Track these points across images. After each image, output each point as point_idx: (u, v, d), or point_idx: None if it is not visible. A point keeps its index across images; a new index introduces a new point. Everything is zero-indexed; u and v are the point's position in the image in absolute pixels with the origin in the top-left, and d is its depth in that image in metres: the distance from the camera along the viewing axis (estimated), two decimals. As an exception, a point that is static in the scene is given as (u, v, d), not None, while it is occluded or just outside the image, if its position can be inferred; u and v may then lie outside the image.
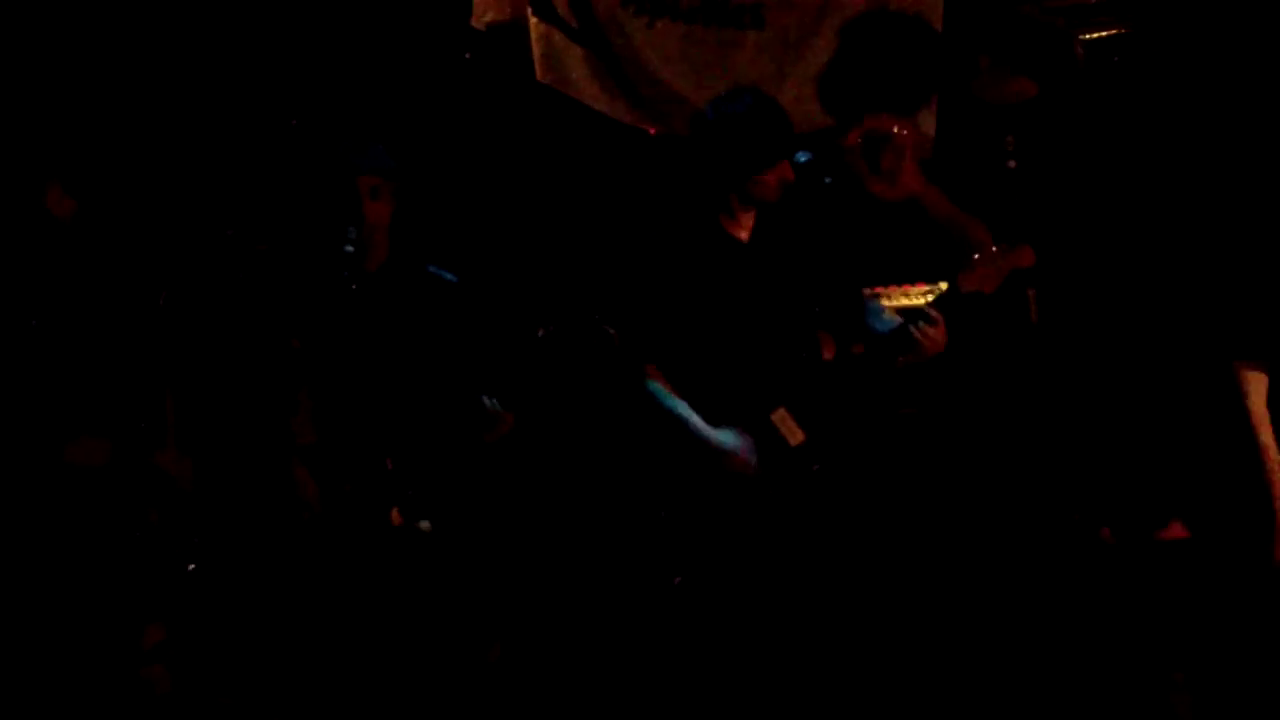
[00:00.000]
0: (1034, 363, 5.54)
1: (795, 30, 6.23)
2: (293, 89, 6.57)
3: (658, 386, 5.16)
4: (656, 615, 5.18)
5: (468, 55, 6.50)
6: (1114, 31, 6.40)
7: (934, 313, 5.08)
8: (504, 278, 6.35)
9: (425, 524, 5.30)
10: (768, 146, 5.17)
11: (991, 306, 5.21)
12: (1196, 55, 6.39)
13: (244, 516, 5.67)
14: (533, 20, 6.28)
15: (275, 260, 5.95)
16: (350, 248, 5.59)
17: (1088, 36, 6.30)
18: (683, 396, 5.13)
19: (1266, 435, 5.00)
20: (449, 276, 5.66)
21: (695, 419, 5.10)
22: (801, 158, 5.21)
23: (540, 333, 5.74)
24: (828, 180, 5.21)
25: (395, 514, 5.32)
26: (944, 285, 5.22)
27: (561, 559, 5.94)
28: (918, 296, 5.73)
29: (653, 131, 6.41)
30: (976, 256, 5.09)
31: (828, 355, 5.24)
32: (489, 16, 6.32)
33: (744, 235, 5.27)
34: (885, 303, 5.87)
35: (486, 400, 5.39)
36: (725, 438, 5.08)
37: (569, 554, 5.95)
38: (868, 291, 5.49)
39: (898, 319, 5.17)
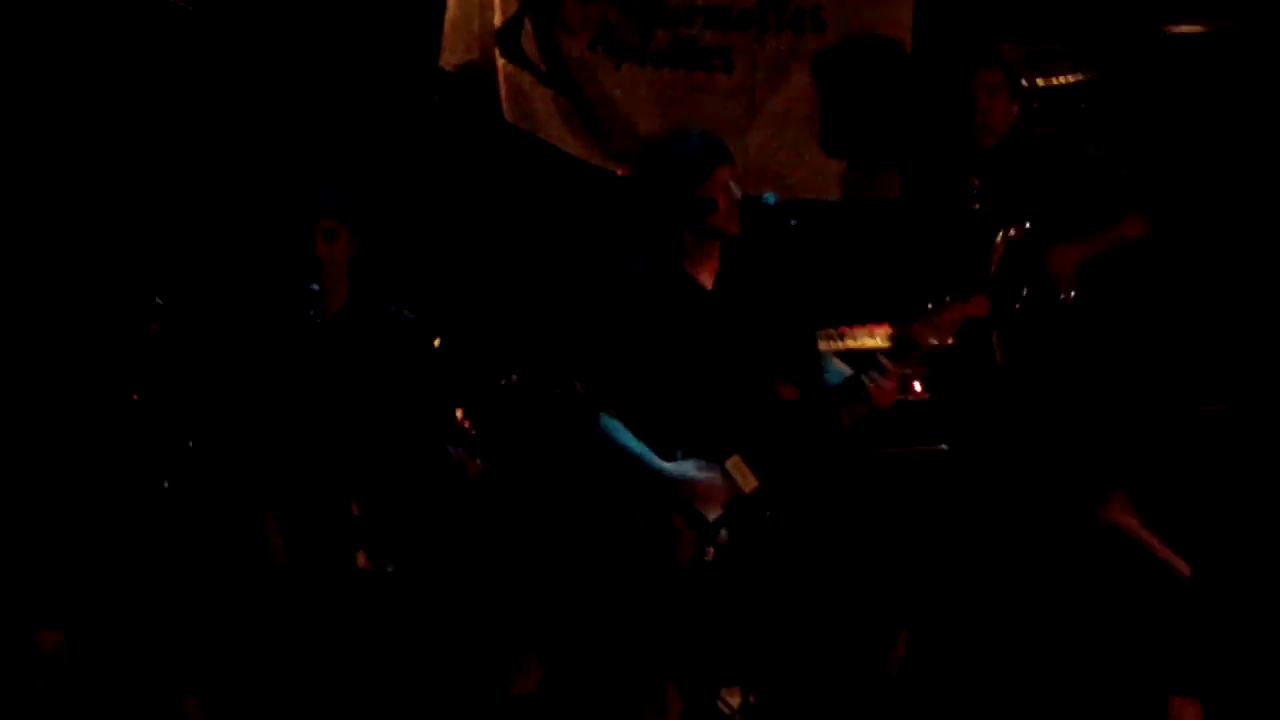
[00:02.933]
0: (1000, 404, 5.56)
1: (764, 74, 6.26)
2: (260, 130, 6.58)
3: (613, 423, 5.13)
4: (622, 653, 5.16)
5: (435, 96, 6.51)
6: (1078, 77, 6.46)
7: (887, 362, 5.03)
8: (470, 320, 6.35)
9: (391, 567, 5.28)
10: (702, 157, 5.06)
11: (956, 350, 5.19)
12: (1159, 100, 6.46)
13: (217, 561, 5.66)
14: (501, 62, 6.29)
15: (243, 299, 5.95)
16: (316, 286, 5.59)
17: (1053, 81, 6.35)
18: (641, 439, 5.10)
19: None
20: (409, 315, 5.65)
21: (651, 455, 5.07)
22: (769, 199, 5.19)
23: (505, 381, 5.74)
24: (793, 223, 5.18)
25: (362, 557, 5.29)
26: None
27: (530, 599, 5.93)
28: (881, 338, 5.73)
29: (620, 173, 6.42)
30: (930, 306, 5.04)
31: (787, 395, 5.17)
32: (457, 57, 6.33)
33: (708, 282, 5.16)
34: (850, 343, 5.89)
35: (451, 449, 5.38)
36: (684, 469, 5.06)
37: (537, 594, 5.93)
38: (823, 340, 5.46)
39: (847, 370, 5.12)
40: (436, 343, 5.75)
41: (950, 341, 4.99)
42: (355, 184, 5.71)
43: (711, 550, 4.98)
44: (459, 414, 5.47)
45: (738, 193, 5.06)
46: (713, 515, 4.98)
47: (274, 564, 5.43)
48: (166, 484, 5.72)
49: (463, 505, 5.63)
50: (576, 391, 5.19)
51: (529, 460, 5.99)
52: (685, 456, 5.03)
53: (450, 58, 6.32)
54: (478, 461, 5.41)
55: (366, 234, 5.62)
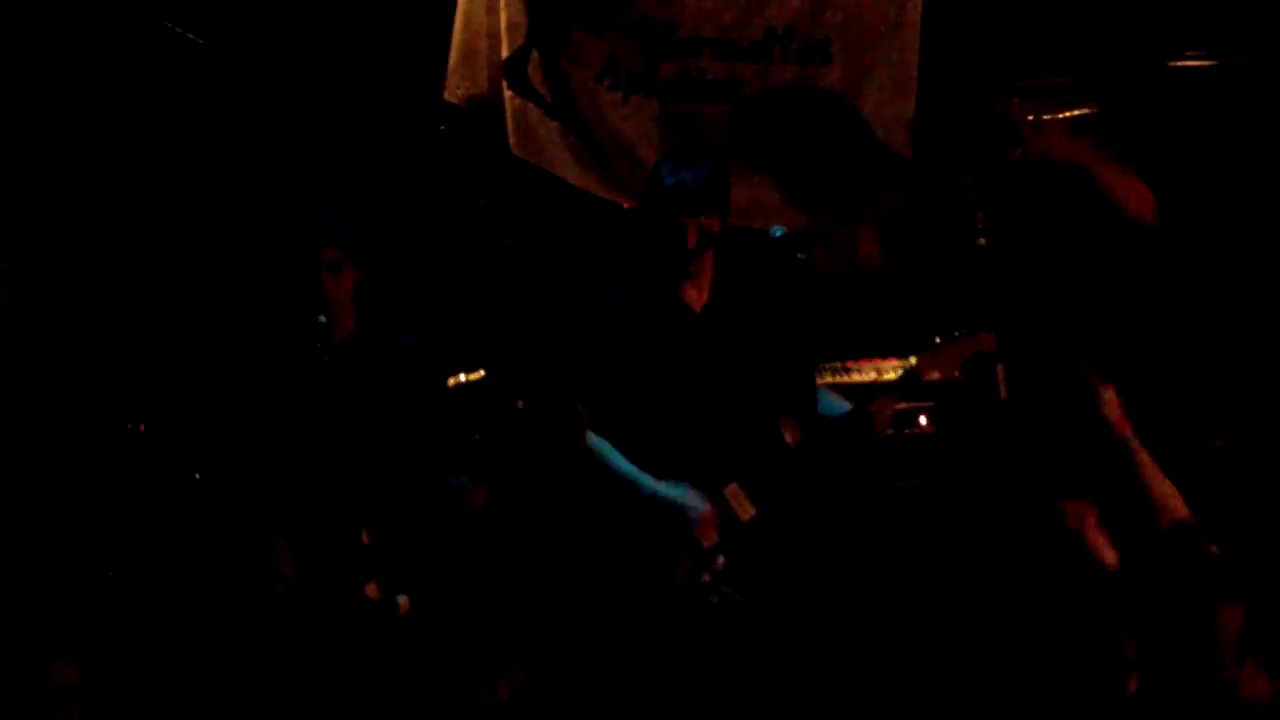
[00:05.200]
0: (1005, 438, 5.56)
1: (770, 107, 6.27)
2: (265, 159, 6.59)
3: (604, 445, 5.15)
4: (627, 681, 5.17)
5: (442, 128, 6.52)
6: (1084, 111, 6.47)
7: (884, 398, 5.05)
8: (475, 349, 6.35)
9: (404, 599, 5.26)
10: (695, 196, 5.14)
11: (961, 383, 5.21)
12: (1164, 135, 6.47)
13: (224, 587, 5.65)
14: (507, 93, 6.29)
15: (251, 329, 5.96)
16: (323, 318, 5.59)
17: (1059, 116, 6.36)
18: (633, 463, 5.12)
19: None
20: (417, 343, 5.66)
21: (645, 479, 5.09)
22: (776, 232, 5.22)
23: (511, 408, 5.75)
24: (801, 256, 5.21)
25: (373, 588, 5.28)
26: (913, 360, 5.21)
27: (538, 627, 5.93)
28: (889, 371, 5.75)
29: (626, 205, 6.43)
30: (937, 340, 5.06)
31: (790, 439, 5.19)
32: (463, 89, 6.32)
33: (697, 305, 5.24)
34: (855, 377, 5.90)
35: (454, 479, 5.38)
36: (677, 493, 5.07)
37: (545, 622, 5.93)
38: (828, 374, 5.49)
39: (845, 404, 5.14)
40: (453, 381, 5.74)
41: (956, 375, 5.03)
42: (359, 214, 5.71)
43: (708, 575, 5.00)
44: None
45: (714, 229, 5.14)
46: (708, 543, 5.00)
47: (283, 593, 5.43)
48: (177, 514, 5.72)
49: (469, 532, 5.62)
50: (580, 416, 5.21)
51: (537, 486, 6.00)
52: (676, 481, 5.05)
53: (456, 89, 6.32)
54: (485, 488, 5.42)
55: (370, 263, 5.63)
